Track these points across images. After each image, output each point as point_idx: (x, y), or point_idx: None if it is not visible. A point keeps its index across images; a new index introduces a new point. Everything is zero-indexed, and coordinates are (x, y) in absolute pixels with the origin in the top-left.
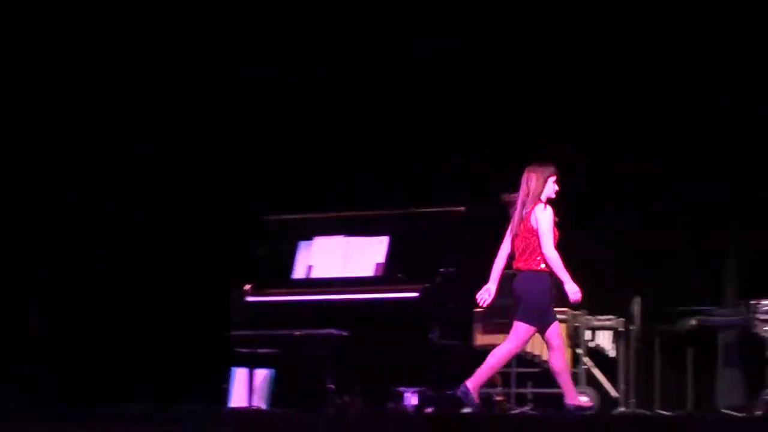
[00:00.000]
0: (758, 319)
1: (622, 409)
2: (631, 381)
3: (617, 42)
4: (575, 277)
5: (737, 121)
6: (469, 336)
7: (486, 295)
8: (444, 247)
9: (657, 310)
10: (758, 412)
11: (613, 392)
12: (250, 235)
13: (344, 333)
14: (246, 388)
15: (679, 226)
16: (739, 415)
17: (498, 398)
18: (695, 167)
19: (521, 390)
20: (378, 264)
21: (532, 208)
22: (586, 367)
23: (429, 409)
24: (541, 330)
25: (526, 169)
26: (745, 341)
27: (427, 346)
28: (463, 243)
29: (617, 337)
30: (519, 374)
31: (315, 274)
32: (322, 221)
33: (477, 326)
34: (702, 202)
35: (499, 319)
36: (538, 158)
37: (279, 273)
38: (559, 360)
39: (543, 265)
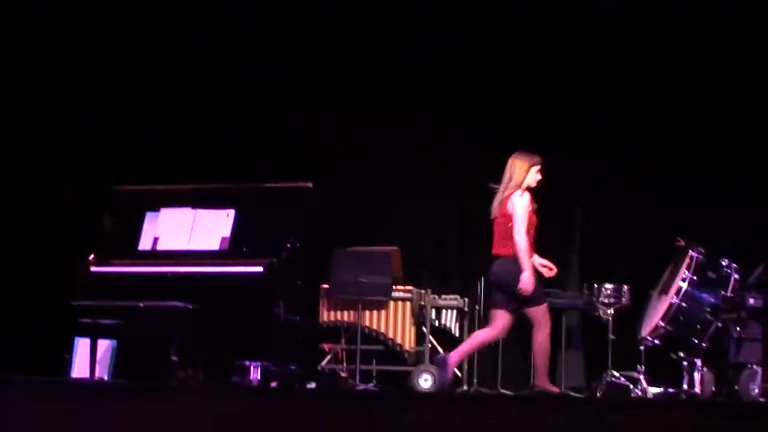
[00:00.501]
0: (601, 302)
1: (465, 387)
2: (474, 360)
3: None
4: (414, 257)
5: (587, 108)
6: (314, 311)
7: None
8: (290, 223)
9: None
10: (599, 393)
11: (457, 371)
12: (98, 206)
13: (189, 306)
14: (88, 358)
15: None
16: (581, 395)
17: (343, 375)
18: (542, 148)
19: (365, 367)
20: (224, 237)
21: (510, 195)
22: (430, 345)
23: (273, 384)
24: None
25: (512, 155)
26: (588, 323)
27: (271, 321)
28: (310, 219)
29: (462, 316)
30: (364, 351)
31: (161, 246)
32: (169, 193)
33: (323, 302)
34: (548, 186)
35: (345, 295)
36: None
37: (124, 244)
38: (540, 340)
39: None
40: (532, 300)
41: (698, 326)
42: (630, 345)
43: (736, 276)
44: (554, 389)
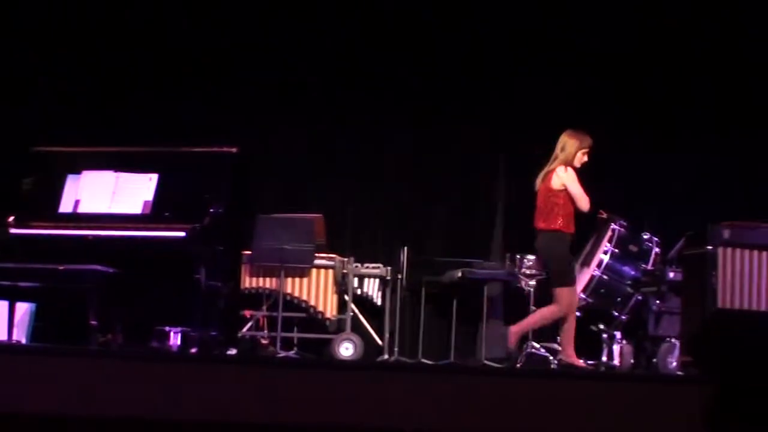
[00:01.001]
0: (523, 273)
1: (386, 356)
2: (396, 329)
3: None
4: (343, 227)
5: (510, 81)
6: (236, 278)
7: None
8: (214, 188)
9: (424, 261)
10: (519, 364)
11: (378, 340)
12: (18, 167)
13: (109, 270)
14: (6, 321)
15: (449, 179)
16: (501, 366)
17: (264, 342)
18: (467, 120)
19: (287, 334)
20: (146, 201)
21: (554, 169)
22: (352, 314)
23: (192, 349)
24: None
25: (566, 132)
26: (509, 294)
27: (192, 287)
28: (234, 184)
29: (384, 285)
30: (285, 319)
31: (82, 209)
32: (91, 155)
33: (245, 268)
34: (472, 158)
35: (267, 262)
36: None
37: (45, 206)
38: (565, 319)
39: (560, 223)
40: (562, 278)
41: (618, 299)
42: None
43: (657, 250)
44: (580, 363)
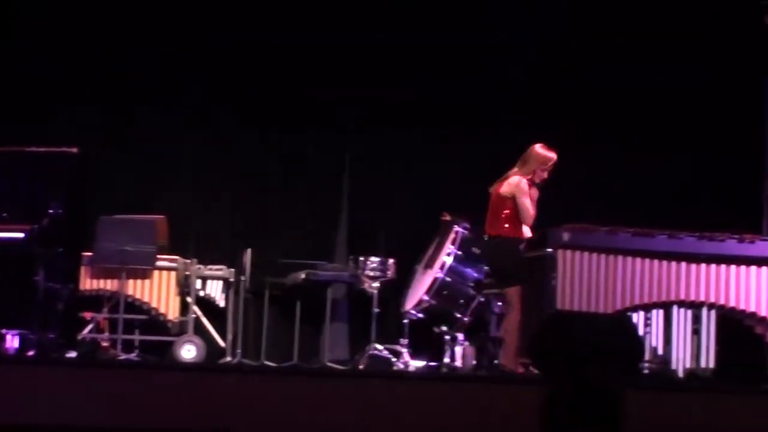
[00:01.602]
0: (366, 275)
1: (228, 358)
2: (239, 331)
3: None
4: (186, 228)
5: (350, 80)
6: (75, 280)
7: None
8: (54, 188)
9: (268, 262)
10: (361, 366)
11: (221, 342)
12: None
13: None
14: None
15: (293, 180)
16: (343, 368)
17: (104, 344)
18: (311, 120)
19: (128, 336)
20: None
21: (509, 177)
22: (195, 316)
23: (31, 352)
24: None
25: (535, 144)
26: (353, 296)
27: (31, 289)
28: (74, 185)
29: (227, 287)
30: (126, 321)
31: None
32: None
33: (85, 270)
34: (316, 158)
35: (108, 263)
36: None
37: None
38: (512, 320)
39: (506, 228)
40: (508, 280)
41: (461, 301)
42: (394, 318)
43: None
44: (520, 370)
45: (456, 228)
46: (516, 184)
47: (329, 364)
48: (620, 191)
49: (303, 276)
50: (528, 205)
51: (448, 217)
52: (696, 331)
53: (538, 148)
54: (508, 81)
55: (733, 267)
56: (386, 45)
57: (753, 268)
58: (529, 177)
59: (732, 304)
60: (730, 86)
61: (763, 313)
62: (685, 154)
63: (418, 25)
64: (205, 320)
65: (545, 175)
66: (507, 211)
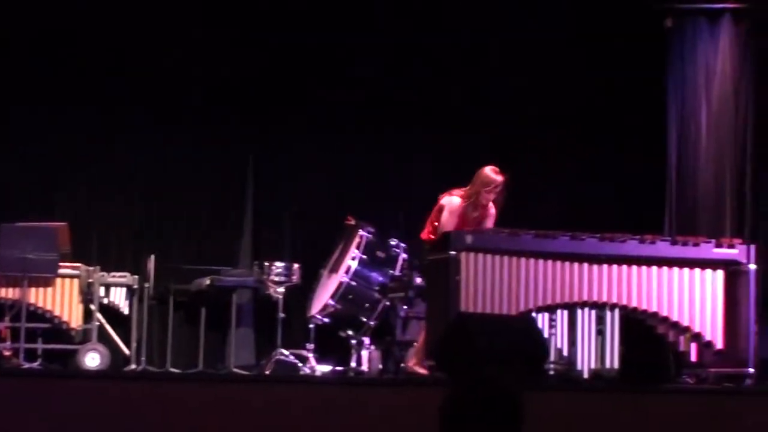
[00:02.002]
0: (271, 280)
1: (133, 366)
2: (143, 338)
3: None
4: (88, 235)
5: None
6: None
7: None
8: None
9: (172, 269)
10: (268, 371)
11: (125, 349)
12: None
13: None
14: None
15: (197, 184)
16: (249, 373)
17: (6, 353)
18: (215, 123)
19: (30, 345)
20: None
21: (449, 192)
22: (98, 324)
23: None
24: None
25: (486, 167)
26: (258, 302)
27: None
28: None
29: (131, 294)
30: (29, 329)
31: None
32: None
33: None
34: (219, 161)
35: (9, 271)
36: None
37: None
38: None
39: (432, 235)
40: None
41: (367, 305)
42: (300, 323)
43: (405, 255)
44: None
45: (361, 232)
46: (448, 200)
47: (235, 370)
48: (524, 196)
49: (207, 282)
50: (445, 222)
51: (352, 221)
52: (600, 332)
53: (485, 170)
54: (413, 84)
55: (634, 267)
56: (289, 44)
57: (654, 268)
58: (472, 197)
59: (634, 304)
60: (630, 87)
61: (664, 312)
62: (588, 156)
63: (321, 24)
64: (109, 328)
65: (491, 197)
66: (437, 223)
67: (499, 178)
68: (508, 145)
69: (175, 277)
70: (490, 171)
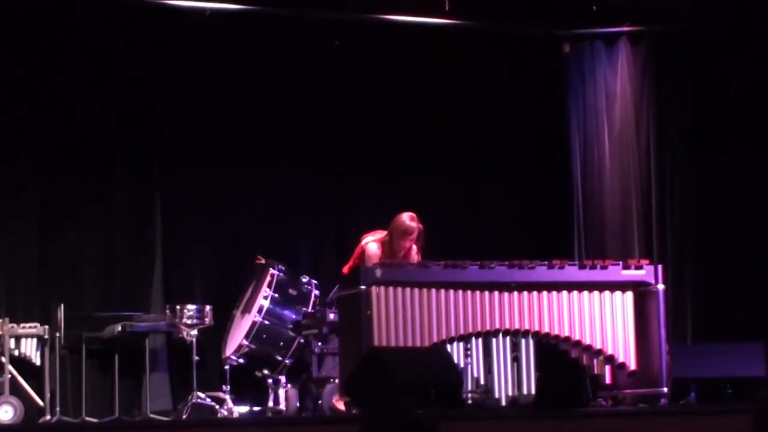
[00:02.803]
0: (184, 323)
1: (48, 417)
2: (57, 389)
3: None
4: None
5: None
6: None
7: None
8: None
9: (82, 317)
10: (185, 416)
11: (39, 401)
12: None
13: None
14: None
15: (103, 227)
16: (167, 419)
17: None
18: (107, 161)
19: None
20: None
21: (368, 234)
22: (10, 376)
23: None
24: None
25: (402, 214)
26: (172, 346)
27: None
28: None
29: (42, 344)
30: None
31: None
32: None
33: None
34: (123, 200)
35: None
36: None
37: None
38: None
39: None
40: None
41: (281, 343)
42: (215, 365)
43: (317, 292)
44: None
45: (271, 270)
46: (368, 247)
47: (152, 416)
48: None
49: (119, 328)
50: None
51: (262, 260)
52: (516, 359)
53: (401, 217)
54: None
55: (544, 293)
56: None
57: (564, 293)
58: (387, 245)
59: (546, 329)
60: (534, 113)
61: (576, 336)
62: (495, 181)
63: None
64: (21, 380)
65: (407, 245)
66: (358, 261)
67: (414, 224)
68: (412, 175)
69: (86, 325)
70: (406, 218)
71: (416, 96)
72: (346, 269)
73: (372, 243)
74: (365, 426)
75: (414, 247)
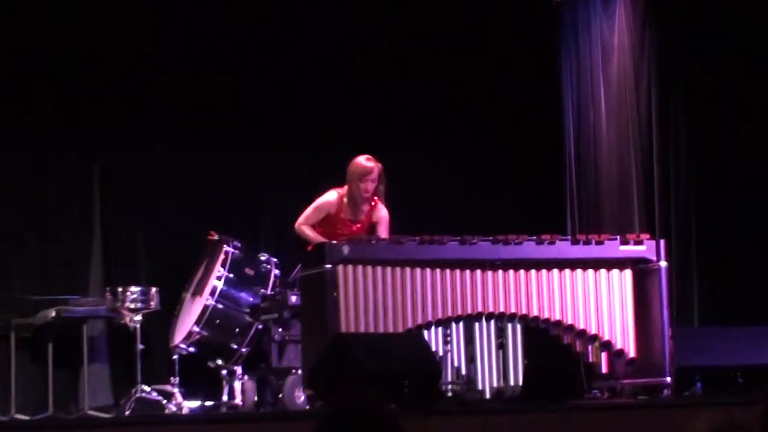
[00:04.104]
0: (126, 308)
1: None
2: None
3: None
4: None
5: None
6: None
7: None
8: None
9: (12, 300)
10: (128, 412)
11: None
12: None
13: None
14: None
15: (37, 203)
16: (107, 415)
17: None
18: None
19: None
20: None
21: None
22: None
23: None
24: None
25: (358, 156)
26: (113, 333)
27: None
28: None
29: None
30: None
31: None
32: None
33: None
34: (58, 174)
35: None
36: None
37: None
38: None
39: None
40: None
41: (237, 329)
42: (162, 355)
43: (277, 272)
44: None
45: (225, 248)
46: (325, 195)
47: (91, 412)
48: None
49: (53, 313)
50: (308, 215)
51: (215, 236)
52: (501, 346)
53: (357, 159)
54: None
55: (533, 272)
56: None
57: (554, 271)
58: (348, 192)
59: (535, 313)
60: (521, 70)
61: (569, 320)
62: (478, 148)
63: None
64: None
65: (367, 187)
66: (310, 213)
67: (372, 164)
68: (386, 149)
69: (16, 310)
70: (362, 159)
71: (394, 63)
72: (309, 246)
73: (331, 191)
74: (319, 422)
75: (377, 198)
